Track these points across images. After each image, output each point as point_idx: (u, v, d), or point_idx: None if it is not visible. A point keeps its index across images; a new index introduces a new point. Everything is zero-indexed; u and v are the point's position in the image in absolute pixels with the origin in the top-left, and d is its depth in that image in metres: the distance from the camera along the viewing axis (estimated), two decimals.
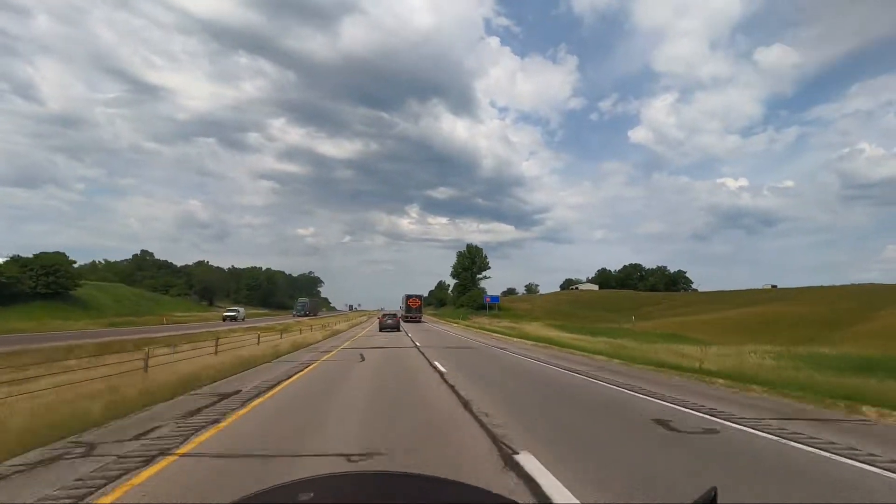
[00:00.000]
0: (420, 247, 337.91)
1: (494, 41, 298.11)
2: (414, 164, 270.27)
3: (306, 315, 77.70)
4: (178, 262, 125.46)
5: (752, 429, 5.91)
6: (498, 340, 26.13)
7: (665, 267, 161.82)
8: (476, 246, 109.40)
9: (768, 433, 5.69)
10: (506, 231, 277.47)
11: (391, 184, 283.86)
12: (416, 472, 1.36)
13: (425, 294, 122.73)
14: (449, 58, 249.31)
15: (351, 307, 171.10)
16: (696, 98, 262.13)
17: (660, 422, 6.27)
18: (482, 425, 5.87)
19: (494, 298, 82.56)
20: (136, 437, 5.28)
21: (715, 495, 0.86)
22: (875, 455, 4.83)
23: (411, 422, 6.14)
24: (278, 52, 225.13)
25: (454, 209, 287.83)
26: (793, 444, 5.24)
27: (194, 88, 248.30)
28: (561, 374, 11.88)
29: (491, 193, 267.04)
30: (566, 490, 3.64)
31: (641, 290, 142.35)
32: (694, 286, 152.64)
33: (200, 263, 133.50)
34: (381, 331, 37.20)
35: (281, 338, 22.65)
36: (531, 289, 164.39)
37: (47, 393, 7.10)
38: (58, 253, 60.79)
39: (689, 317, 68.15)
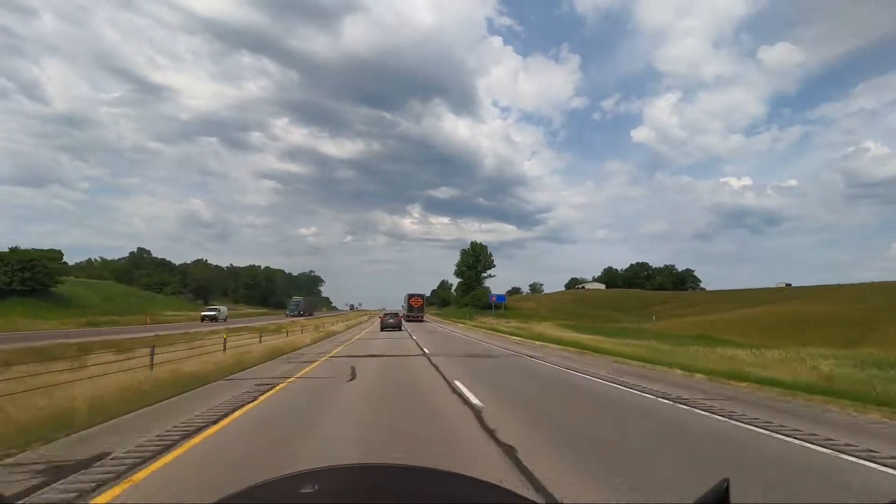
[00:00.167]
0: (422, 247, 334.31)
1: (497, 40, 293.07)
2: (416, 163, 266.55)
3: (301, 315, 73.13)
4: (181, 262, 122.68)
5: None
6: (518, 344, 22.31)
7: (673, 266, 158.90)
8: (480, 243, 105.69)
9: None
10: (508, 231, 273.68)
11: (393, 184, 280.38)
12: (417, 465, 1.36)
13: (428, 293, 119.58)
14: (451, 57, 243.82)
15: (352, 307, 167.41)
16: (699, 97, 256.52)
17: None
18: None
19: (500, 298, 78.81)
20: None
21: (727, 487, 0.84)
22: None
23: None
24: (281, 51, 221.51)
25: (456, 209, 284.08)
26: None
27: (197, 88, 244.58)
28: (680, 411, 7.17)
29: (493, 193, 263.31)
30: None
31: (648, 289, 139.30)
32: (702, 285, 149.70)
33: (199, 262, 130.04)
34: (382, 330, 35.75)
35: (260, 342, 18.90)
36: (536, 288, 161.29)
37: None
38: (48, 249, 57.42)
39: (706, 316, 64.22)
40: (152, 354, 10.39)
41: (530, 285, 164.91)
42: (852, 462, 4.64)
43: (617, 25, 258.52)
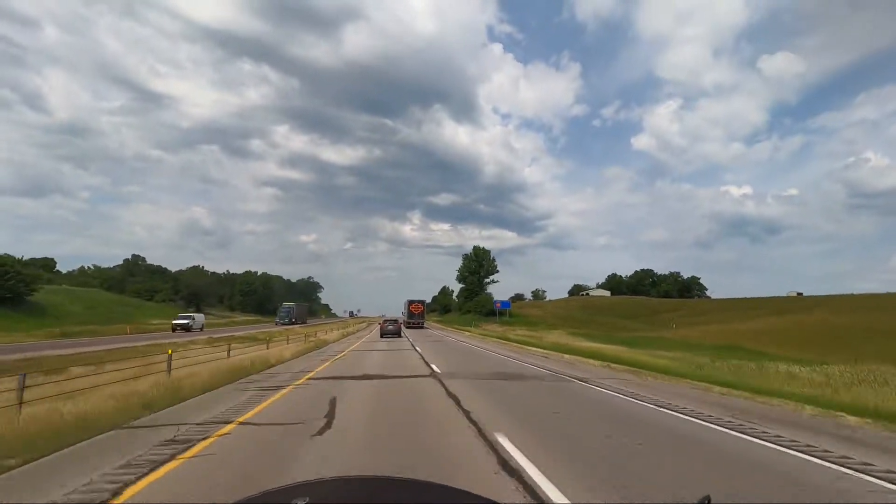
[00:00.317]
0: (422, 253, 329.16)
1: (497, 48, 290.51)
2: (416, 170, 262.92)
3: (292, 323, 67.02)
4: (182, 270, 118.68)
5: None
6: (545, 359, 18.54)
7: (678, 273, 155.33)
8: (483, 248, 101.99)
9: None
10: (508, 237, 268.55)
11: (393, 190, 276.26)
12: (411, 478, 1.37)
13: (428, 300, 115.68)
14: (452, 64, 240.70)
15: (351, 313, 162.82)
16: (700, 105, 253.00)
17: None
18: None
19: (505, 304, 75.18)
20: None
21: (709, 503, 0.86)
22: None
23: None
24: (282, 59, 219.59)
25: (456, 215, 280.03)
26: None
27: (198, 96, 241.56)
28: None
29: (493, 200, 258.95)
30: None
31: (654, 295, 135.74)
32: (707, 293, 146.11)
33: (193, 269, 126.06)
34: (382, 336, 34.70)
35: (228, 356, 15.19)
36: (538, 295, 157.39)
37: None
38: (41, 257, 53.69)
39: (727, 325, 60.32)
40: (21, 388, 6.69)
41: (533, 292, 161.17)
42: None
43: (617, 33, 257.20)
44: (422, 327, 57.92)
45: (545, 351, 23.02)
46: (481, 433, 5.88)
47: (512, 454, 4.91)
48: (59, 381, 8.78)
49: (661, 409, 7.79)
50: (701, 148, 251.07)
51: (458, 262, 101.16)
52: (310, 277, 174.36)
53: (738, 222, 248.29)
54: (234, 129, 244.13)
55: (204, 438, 5.59)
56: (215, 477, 4.21)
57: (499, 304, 71.11)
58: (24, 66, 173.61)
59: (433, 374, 12.41)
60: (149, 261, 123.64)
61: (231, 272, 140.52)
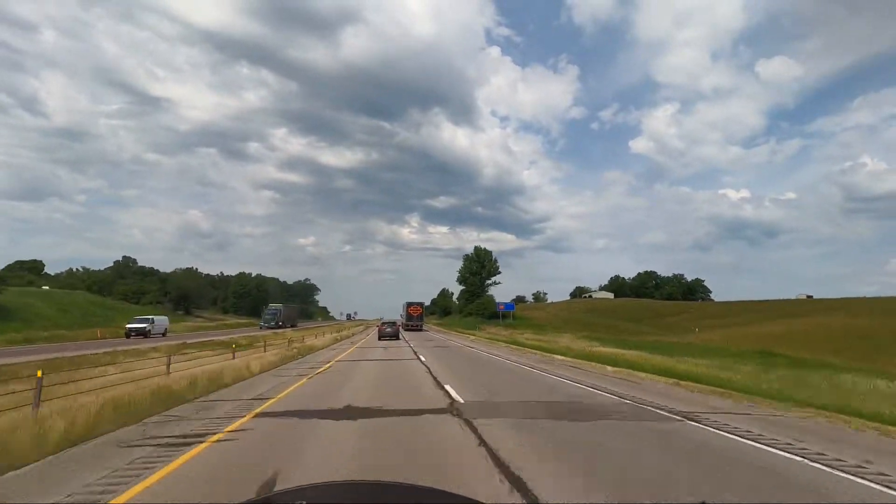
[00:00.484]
0: (420, 256, 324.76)
1: (495, 51, 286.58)
2: (414, 173, 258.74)
3: (279, 326, 60.59)
4: (172, 271, 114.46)
5: None
6: (584, 374, 14.75)
7: (682, 275, 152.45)
8: (485, 249, 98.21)
9: None
10: (506, 240, 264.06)
11: (392, 193, 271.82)
12: (408, 482, 1.38)
13: (427, 302, 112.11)
14: (450, 67, 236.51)
15: (349, 316, 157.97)
16: (698, 109, 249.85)
17: None
18: None
19: (509, 306, 71.09)
20: None
21: None
22: None
23: None
24: (281, 62, 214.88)
25: (454, 218, 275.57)
26: None
27: (196, 99, 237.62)
28: None
29: (491, 202, 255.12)
30: None
31: (658, 298, 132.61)
32: (711, 295, 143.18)
33: (188, 270, 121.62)
34: (380, 339, 34.05)
35: (168, 372, 11.37)
36: (539, 297, 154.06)
37: None
38: (29, 260, 49.57)
39: (747, 328, 56.73)
40: None
41: (534, 294, 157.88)
42: None
43: (615, 36, 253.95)
44: (420, 329, 56.46)
45: (572, 360, 19.29)
46: None
47: None
48: None
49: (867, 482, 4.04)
50: (699, 151, 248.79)
51: (457, 265, 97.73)
52: (306, 279, 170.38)
53: (736, 225, 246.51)
54: (233, 132, 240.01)
55: None
56: None
57: (502, 307, 67.08)
58: (22, 70, 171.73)
59: (452, 404, 8.43)
60: (145, 264, 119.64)
61: (223, 273, 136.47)
